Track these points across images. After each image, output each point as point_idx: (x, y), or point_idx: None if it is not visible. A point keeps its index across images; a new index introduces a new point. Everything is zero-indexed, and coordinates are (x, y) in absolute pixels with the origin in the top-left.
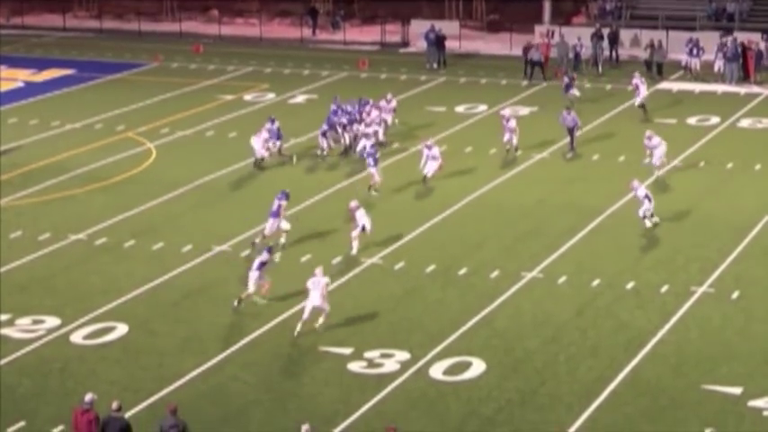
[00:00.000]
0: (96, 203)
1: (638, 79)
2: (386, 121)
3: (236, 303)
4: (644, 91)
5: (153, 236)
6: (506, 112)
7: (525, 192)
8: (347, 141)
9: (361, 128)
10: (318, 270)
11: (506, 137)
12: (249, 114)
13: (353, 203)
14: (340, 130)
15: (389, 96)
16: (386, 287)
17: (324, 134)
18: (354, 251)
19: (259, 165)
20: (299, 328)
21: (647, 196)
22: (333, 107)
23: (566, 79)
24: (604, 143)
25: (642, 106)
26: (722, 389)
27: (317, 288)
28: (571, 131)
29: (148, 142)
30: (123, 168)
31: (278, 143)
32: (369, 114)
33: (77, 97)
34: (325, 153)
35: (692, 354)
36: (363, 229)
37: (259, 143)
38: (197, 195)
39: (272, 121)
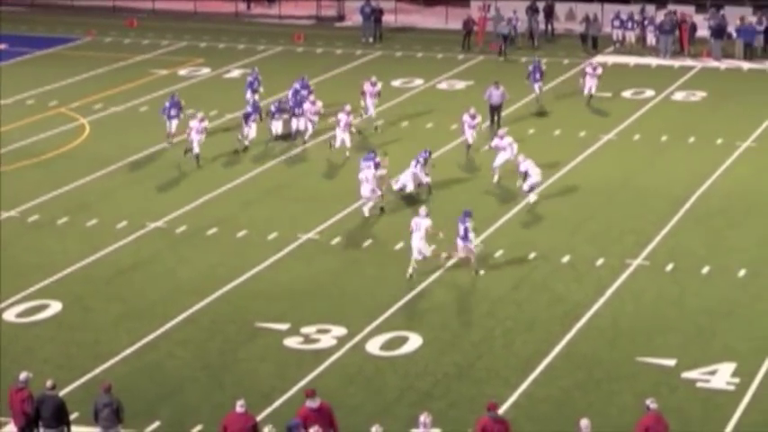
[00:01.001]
0: (29, 180)
1: (589, 69)
2: (367, 108)
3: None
4: (590, 81)
5: (87, 212)
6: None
7: (462, 166)
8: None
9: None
10: (422, 209)
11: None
12: (184, 89)
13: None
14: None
15: (374, 79)
16: (323, 262)
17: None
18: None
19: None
20: (410, 270)
21: (527, 172)
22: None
23: (531, 67)
24: (540, 118)
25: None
26: (656, 361)
27: (419, 230)
28: (498, 109)
29: (81, 118)
30: (56, 144)
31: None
32: (313, 104)
33: (9, 72)
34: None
35: (626, 326)
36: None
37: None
38: (131, 171)
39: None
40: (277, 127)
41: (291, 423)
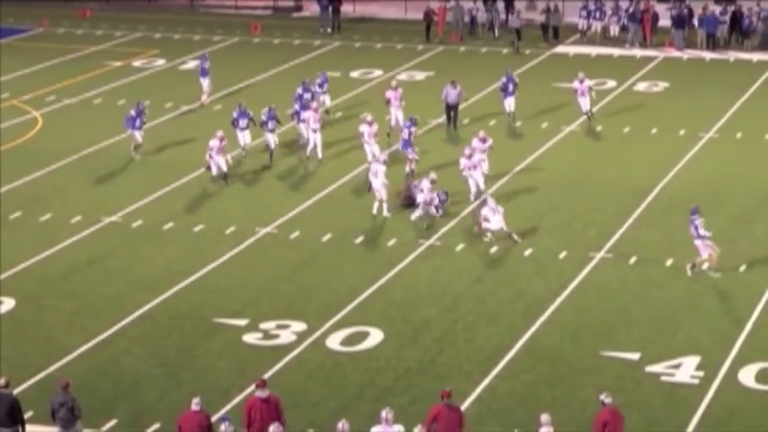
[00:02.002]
0: None
1: (576, 84)
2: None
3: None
4: (582, 100)
5: (40, 207)
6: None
7: (429, 156)
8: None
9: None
10: (488, 197)
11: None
12: (138, 81)
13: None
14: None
15: (394, 83)
16: (281, 257)
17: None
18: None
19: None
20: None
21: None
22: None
23: (504, 79)
24: (500, 108)
25: (588, 114)
26: (620, 355)
27: (498, 212)
28: (454, 108)
29: (34, 110)
30: (8, 137)
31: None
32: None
33: None
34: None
35: (590, 320)
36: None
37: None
38: (85, 165)
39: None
40: (270, 139)
41: (219, 416)
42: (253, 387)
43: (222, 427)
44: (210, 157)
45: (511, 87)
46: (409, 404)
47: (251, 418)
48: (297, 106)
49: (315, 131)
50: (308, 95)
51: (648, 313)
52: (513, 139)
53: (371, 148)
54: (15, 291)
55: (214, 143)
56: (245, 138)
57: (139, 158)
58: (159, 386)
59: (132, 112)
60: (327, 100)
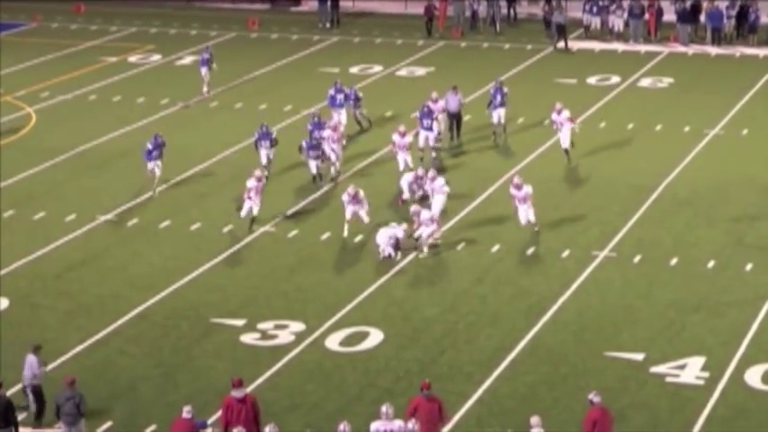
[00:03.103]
0: None
1: (557, 116)
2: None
3: None
4: (566, 129)
5: (34, 205)
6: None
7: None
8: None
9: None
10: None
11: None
12: (134, 77)
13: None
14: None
15: (434, 95)
16: (279, 256)
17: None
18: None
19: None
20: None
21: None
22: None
23: (491, 91)
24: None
25: (566, 151)
26: (624, 355)
27: (526, 200)
28: (457, 117)
29: (28, 107)
30: (1, 134)
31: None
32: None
33: None
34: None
35: (593, 320)
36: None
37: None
38: (80, 162)
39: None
40: (314, 166)
41: (198, 422)
42: (249, 391)
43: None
44: (249, 197)
45: (499, 99)
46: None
47: (228, 419)
48: (304, 144)
49: (334, 152)
50: (340, 96)
51: (653, 313)
52: (514, 135)
53: (404, 157)
54: (8, 291)
55: (251, 183)
56: (267, 157)
57: (157, 196)
58: (155, 387)
59: (149, 145)
60: (343, 118)
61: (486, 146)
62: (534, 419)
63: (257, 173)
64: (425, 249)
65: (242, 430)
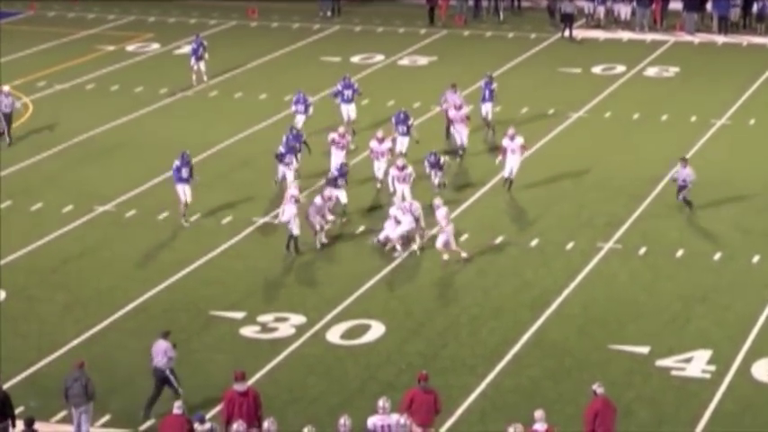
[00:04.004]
0: None
1: (509, 141)
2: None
3: None
4: (517, 157)
5: (30, 196)
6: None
7: (424, 147)
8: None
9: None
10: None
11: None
12: (132, 66)
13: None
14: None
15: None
16: (280, 247)
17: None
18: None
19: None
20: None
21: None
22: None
23: (482, 84)
24: (507, 94)
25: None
26: (629, 348)
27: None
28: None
29: (24, 96)
30: None
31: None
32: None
33: None
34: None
35: (598, 313)
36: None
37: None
38: (77, 152)
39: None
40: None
41: (195, 416)
42: (248, 385)
43: (197, 425)
44: (307, 217)
45: (487, 93)
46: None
47: (229, 412)
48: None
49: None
50: (348, 92)
51: (658, 305)
52: (517, 125)
53: (382, 164)
54: (5, 283)
55: (316, 204)
56: (287, 175)
57: (188, 225)
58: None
59: (177, 162)
60: (352, 113)
61: (488, 137)
62: (538, 413)
63: (294, 192)
64: (398, 247)
65: (242, 424)
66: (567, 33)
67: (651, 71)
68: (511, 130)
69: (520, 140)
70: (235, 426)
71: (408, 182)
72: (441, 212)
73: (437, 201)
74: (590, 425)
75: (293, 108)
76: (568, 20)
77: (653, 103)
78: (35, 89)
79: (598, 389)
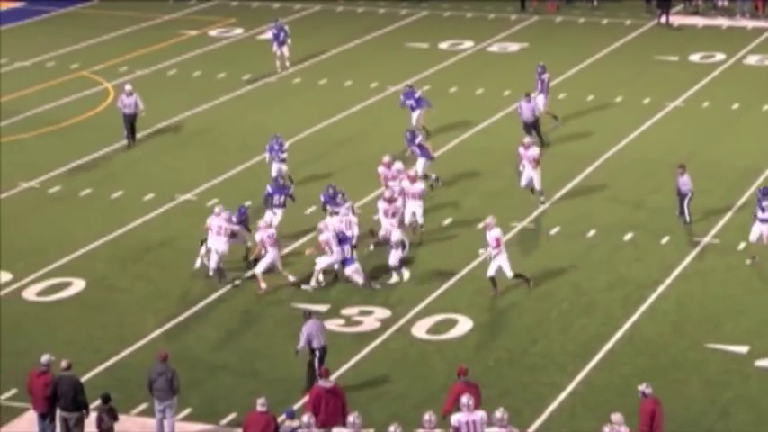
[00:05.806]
0: (49, 149)
1: (524, 150)
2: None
3: None
4: (529, 169)
5: (111, 184)
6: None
7: (514, 136)
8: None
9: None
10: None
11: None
12: (214, 51)
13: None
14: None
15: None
16: (363, 240)
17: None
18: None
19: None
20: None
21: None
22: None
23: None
24: (600, 83)
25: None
26: (727, 347)
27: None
28: (534, 126)
29: (105, 82)
30: (78, 110)
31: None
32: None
33: (27, 32)
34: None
35: (694, 310)
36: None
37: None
38: (159, 140)
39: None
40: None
41: (286, 411)
42: (332, 379)
43: (286, 421)
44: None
45: (540, 85)
46: (499, 397)
47: (316, 409)
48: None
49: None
50: (410, 102)
51: (757, 303)
52: (612, 115)
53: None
54: (85, 272)
55: (389, 219)
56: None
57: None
58: (234, 374)
59: (269, 188)
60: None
61: (579, 128)
62: (616, 416)
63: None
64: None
65: (311, 416)
66: (663, 20)
67: (752, 59)
68: (527, 139)
69: (534, 152)
70: (305, 417)
71: (397, 216)
72: (492, 234)
73: (489, 219)
74: (646, 426)
75: (406, 103)
76: (665, 6)
77: (754, 93)
78: (116, 74)
79: (646, 389)
